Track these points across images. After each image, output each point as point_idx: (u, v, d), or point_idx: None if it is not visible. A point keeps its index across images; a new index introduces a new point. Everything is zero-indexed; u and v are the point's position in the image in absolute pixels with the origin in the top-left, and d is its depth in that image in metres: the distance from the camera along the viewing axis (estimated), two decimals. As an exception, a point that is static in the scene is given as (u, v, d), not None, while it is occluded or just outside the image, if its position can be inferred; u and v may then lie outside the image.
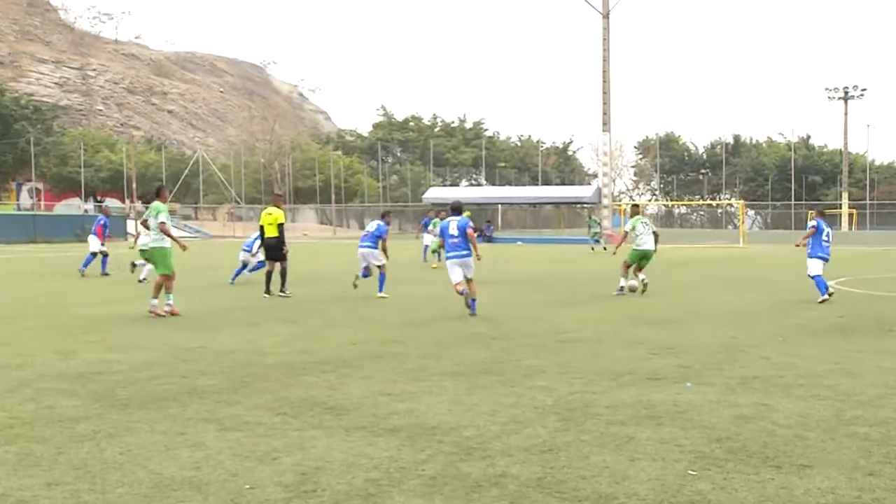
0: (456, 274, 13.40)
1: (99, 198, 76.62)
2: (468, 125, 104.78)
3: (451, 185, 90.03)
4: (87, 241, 22.33)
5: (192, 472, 4.95)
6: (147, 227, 13.81)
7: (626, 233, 17.97)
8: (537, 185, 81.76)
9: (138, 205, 70.81)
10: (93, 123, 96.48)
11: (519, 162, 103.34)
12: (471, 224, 13.76)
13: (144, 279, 18.78)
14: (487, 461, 5.17)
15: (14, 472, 4.93)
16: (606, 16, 52.92)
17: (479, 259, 13.42)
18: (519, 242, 50.58)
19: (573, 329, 11.27)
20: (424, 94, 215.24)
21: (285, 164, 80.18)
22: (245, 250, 19.20)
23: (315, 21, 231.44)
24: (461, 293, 13.22)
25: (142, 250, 15.24)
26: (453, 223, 13.63)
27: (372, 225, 16.56)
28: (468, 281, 13.40)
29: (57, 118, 76.39)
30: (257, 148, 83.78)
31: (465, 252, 13.41)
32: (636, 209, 18.53)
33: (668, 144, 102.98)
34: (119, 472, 4.95)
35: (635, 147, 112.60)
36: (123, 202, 73.16)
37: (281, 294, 15.83)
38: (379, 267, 16.18)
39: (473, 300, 13.10)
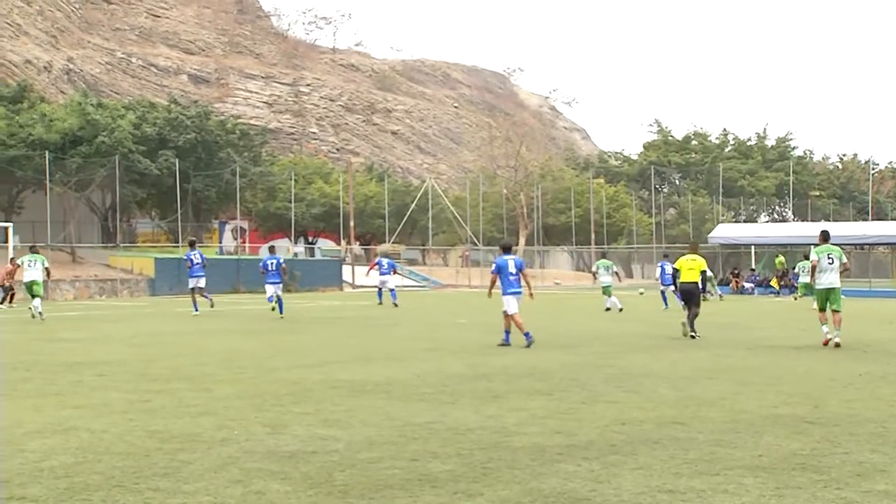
0: (513, 306, 18.79)
1: (311, 238, 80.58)
2: (770, 143, 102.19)
3: (746, 221, 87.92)
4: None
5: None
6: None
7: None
8: (866, 219, 78.24)
9: (356, 247, 73.58)
10: (305, 149, 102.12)
11: (840, 189, 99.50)
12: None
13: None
14: (806, 587, 4.95)
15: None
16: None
17: (531, 297, 19.43)
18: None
19: (921, 414, 10.63)
20: (711, 104, 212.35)
21: (533, 195, 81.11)
22: None
23: (570, 19, 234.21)
24: (507, 329, 18.81)
25: None
26: (511, 262, 19.03)
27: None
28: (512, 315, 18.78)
29: (266, 143, 79.56)
30: (499, 176, 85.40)
31: (520, 289, 19.01)
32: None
33: None
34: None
35: None
36: (338, 244, 75.79)
37: (692, 336, 20.48)
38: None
39: (527, 333, 18.45)
